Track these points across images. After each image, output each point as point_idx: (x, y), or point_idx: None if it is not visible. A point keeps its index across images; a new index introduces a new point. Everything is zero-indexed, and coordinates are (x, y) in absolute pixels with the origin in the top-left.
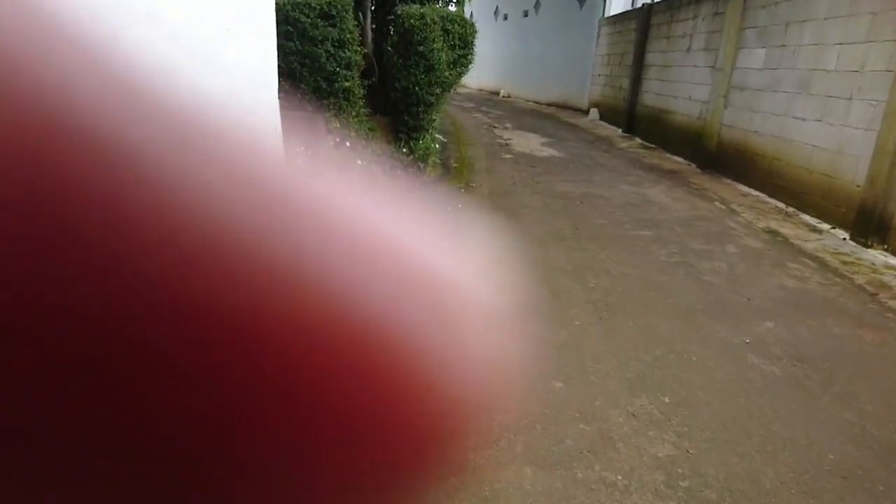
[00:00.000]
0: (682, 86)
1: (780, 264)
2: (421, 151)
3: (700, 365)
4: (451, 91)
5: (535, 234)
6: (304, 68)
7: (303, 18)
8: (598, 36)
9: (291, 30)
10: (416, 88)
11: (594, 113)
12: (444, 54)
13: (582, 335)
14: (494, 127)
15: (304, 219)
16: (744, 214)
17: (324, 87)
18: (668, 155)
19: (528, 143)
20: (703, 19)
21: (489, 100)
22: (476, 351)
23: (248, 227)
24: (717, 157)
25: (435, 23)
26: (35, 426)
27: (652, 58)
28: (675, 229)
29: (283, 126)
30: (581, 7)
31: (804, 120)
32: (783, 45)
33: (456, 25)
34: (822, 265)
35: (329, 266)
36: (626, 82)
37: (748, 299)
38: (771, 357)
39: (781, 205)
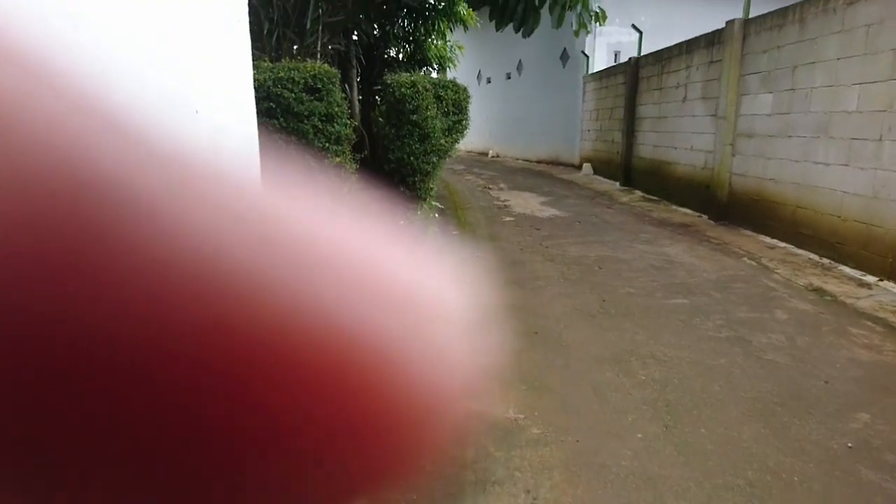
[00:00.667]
0: (682, 136)
1: (842, 331)
2: (419, 222)
3: (807, 489)
4: (447, 158)
5: (560, 313)
6: (290, 147)
7: (286, 94)
8: (584, 92)
9: (274, 106)
10: (412, 158)
11: (587, 168)
12: (438, 122)
13: (649, 455)
14: (489, 188)
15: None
16: (779, 271)
17: (313, 164)
18: (675, 207)
19: (527, 203)
20: (698, 68)
21: (478, 161)
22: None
23: (233, 255)
24: (729, 207)
25: (427, 90)
26: (33, 427)
27: (644, 110)
28: (711, 295)
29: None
30: (564, 66)
31: (827, 165)
32: (792, 89)
33: (449, 91)
34: (889, 328)
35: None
36: (618, 136)
37: (826, 382)
38: (889, 469)
39: (814, 256)
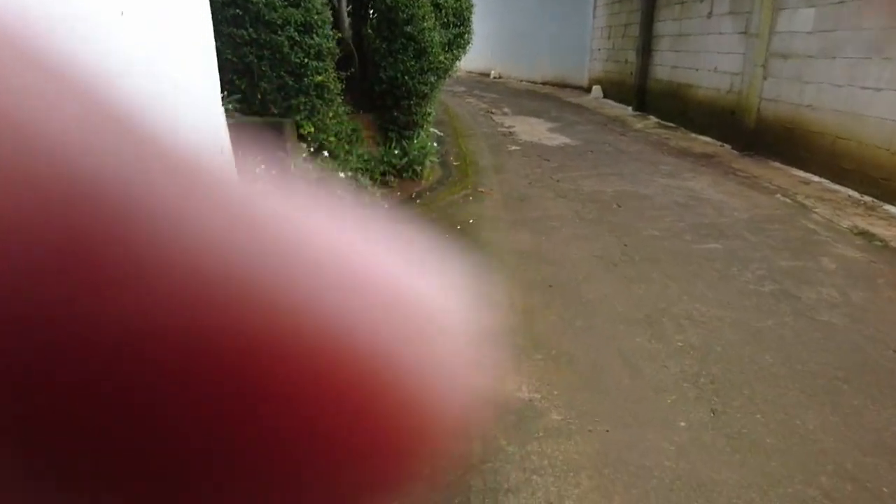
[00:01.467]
0: (705, 56)
1: None
2: (416, 151)
3: None
4: (446, 77)
5: (577, 259)
6: (263, 62)
7: None
8: (595, 7)
9: (241, 13)
10: (406, 77)
11: (597, 90)
12: (436, 34)
13: (697, 451)
14: (492, 113)
15: (263, 244)
16: (818, 210)
17: (290, 83)
18: (694, 135)
19: (533, 129)
20: None
21: (480, 82)
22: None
23: (196, 256)
24: (756, 136)
25: None
26: (30, 427)
27: (663, 27)
28: (746, 238)
29: (237, 140)
30: None
31: (878, 90)
32: (841, 2)
33: None
34: None
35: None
36: (632, 55)
37: (895, 351)
38: None
39: (855, 193)
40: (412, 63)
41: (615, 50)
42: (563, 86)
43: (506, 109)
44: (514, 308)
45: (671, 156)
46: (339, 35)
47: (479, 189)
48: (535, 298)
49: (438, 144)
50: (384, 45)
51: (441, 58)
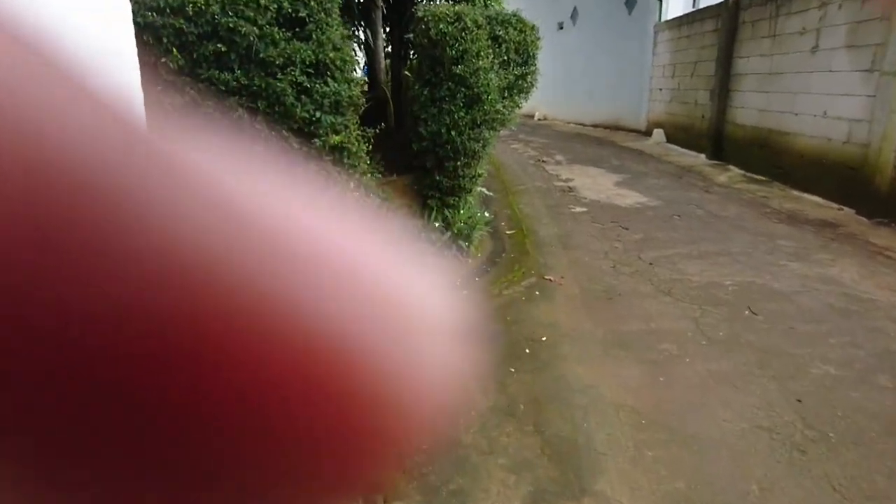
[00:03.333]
0: (808, 98)
1: None
2: (462, 223)
3: None
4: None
5: (729, 435)
6: (257, 115)
7: (245, 28)
8: (656, 43)
9: (226, 50)
10: (453, 133)
11: (659, 135)
12: (493, 76)
13: None
14: (543, 161)
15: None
16: None
17: (295, 146)
18: (797, 193)
19: (597, 183)
20: (841, 6)
21: (524, 124)
22: None
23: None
24: (892, 199)
25: (479, 27)
26: (28, 425)
27: (746, 64)
28: None
29: None
30: (630, 12)
31: None
32: None
33: (511, 30)
34: None
35: None
36: (703, 96)
37: None
38: None
39: None
40: (462, 114)
41: (681, 90)
42: (617, 128)
43: (559, 157)
44: None
45: (782, 223)
46: (364, 79)
47: (546, 276)
48: None
49: (486, 205)
50: (425, 92)
51: (498, 106)
